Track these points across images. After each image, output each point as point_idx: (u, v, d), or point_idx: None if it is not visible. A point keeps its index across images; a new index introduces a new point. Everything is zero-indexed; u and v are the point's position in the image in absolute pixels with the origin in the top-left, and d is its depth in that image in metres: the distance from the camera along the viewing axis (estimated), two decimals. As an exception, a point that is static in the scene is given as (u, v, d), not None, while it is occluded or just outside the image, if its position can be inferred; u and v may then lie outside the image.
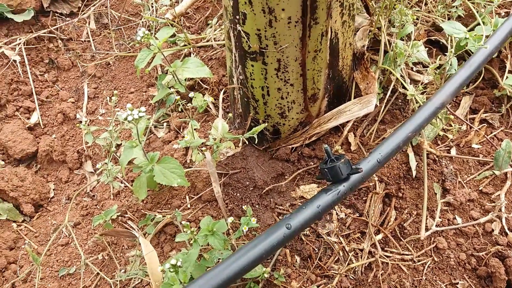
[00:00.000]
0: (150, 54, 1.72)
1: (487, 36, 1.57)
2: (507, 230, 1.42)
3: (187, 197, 1.65)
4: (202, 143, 1.51)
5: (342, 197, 1.17)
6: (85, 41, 2.31)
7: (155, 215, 1.59)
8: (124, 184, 1.77)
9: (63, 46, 2.26)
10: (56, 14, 2.33)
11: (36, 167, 1.93)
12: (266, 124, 1.58)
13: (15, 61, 2.16)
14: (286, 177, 1.62)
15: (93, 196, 1.79)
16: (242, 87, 1.52)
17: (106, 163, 1.47)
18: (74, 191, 1.81)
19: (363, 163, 1.20)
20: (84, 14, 2.33)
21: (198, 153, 1.51)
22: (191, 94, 1.46)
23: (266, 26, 1.25)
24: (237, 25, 1.31)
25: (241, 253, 1.03)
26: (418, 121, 1.28)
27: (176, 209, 1.61)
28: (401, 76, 1.62)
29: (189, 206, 1.62)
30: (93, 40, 2.30)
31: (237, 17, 1.28)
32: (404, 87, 1.59)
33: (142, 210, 1.66)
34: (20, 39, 2.21)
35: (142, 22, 2.26)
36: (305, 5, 1.20)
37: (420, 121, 1.28)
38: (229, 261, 1.02)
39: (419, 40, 1.85)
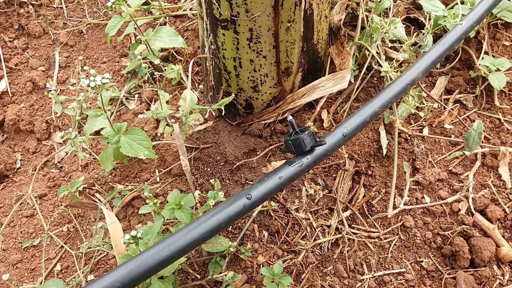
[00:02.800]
0: (121, 21, 1.66)
1: (464, 15, 1.55)
2: (473, 210, 1.42)
3: (156, 170, 1.62)
4: (170, 115, 1.47)
5: (305, 170, 1.15)
6: (57, 7, 2.22)
7: (122, 188, 1.55)
8: (93, 156, 1.73)
9: (34, 11, 2.17)
10: (27, -22, 2.23)
11: (2, 137, 1.87)
12: (239, 98, 1.55)
13: (-18, 26, 2.08)
14: (258, 152, 1.60)
15: (61, 167, 1.75)
16: (213, 58, 1.48)
17: (70, 132, 1.43)
18: (42, 162, 1.77)
19: (328, 137, 1.19)
20: (56, -21, 2.24)
21: (167, 125, 1.48)
22: (157, 62, 1.41)
23: (237, -8, 1.21)
24: (208, -9, 1.26)
25: (199, 222, 1.01)
26: (386, 97, 1.26)
27: (145, 183, 1.58)
28: (377, 53, 1.60)
29: (158, 179, 1.60)
30: (65, 6, 2.21)
31: (208, -17, 1.23)
32: (379, 64, 1.57)
33: (110, 183, 1.63)
34: (-12, 3, 2.12)
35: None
36: (277, -28, 1.16)
37: (389, 97, 1.26)
38: (186, 229, 1.00)
39: (398, 17, 1.83)
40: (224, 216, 1.04)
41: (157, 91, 1.64)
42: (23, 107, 1.92)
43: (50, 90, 1.96)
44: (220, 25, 1.32)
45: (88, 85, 1.17)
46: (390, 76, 1.48)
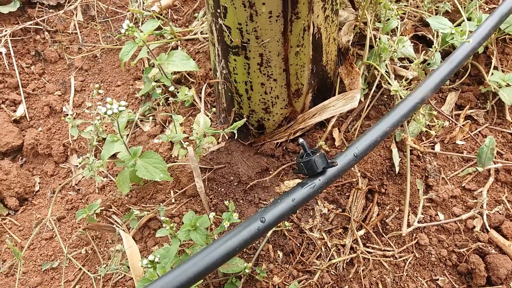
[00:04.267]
0: (134, 47, 1.70)
1: (472, 32, 1.57)
2: (488, 227, 1.42)
3: (171, 191, 1.65)
4: (185, 138, 1.50)
5: (317, 191, 1.16)
6: (72, 33, 2.28)
7: (139, 210, 1.58)
8: (109, 178, 1.76)
9: (49, 38, 2.24)
10: (43, 6, 2.30)
11: (21, 161, 1.92)
12: (250, 119, 1.57)
13: (0, 53, 2.14)
14: (270, 172, 1.62)
15: (78, 190, 1.79)
16: (225, 82, 1.51)
17: (87, 157, 1.47)
18: (59, 184, 1.81)
19: (340, 157, 1.20)
20: (70, 5, 2.30)
21: (181, 148, 1.51)
22: (171, 88, 1.45)
23: (247, 20, 1.24)
24: (219, 19, 1.30)
25: (215, 246, 1.03)
26: (396, 117, 1.28)
27: (160, 204, 1.61)
28: (386, 71, 1.62)
29: (173, 200, 1.62)
30: (80, 32, 2.28)
31: (218, 10, 1.27)
32: (388, 83, 1.59)
33: (126, 205, 1.66)
34: (6, 31, 2.18)
35: (128, 14, 2.24)
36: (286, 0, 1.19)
37: (399, 116, 1.28)
38: (202, 254, 1.02)
39: (406, 35, 1.85)
40: (239, 240, 1.06)
41: (170, 113, 1.68)
42: (41, 131, 1.97)
43: (67, 115, 2.01)
44: (231, 51, 1.36)
45: (105, 113, 1.21)
46: (399, 95, 1.49)
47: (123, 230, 1.57)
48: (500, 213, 1.45)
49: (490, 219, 1.44)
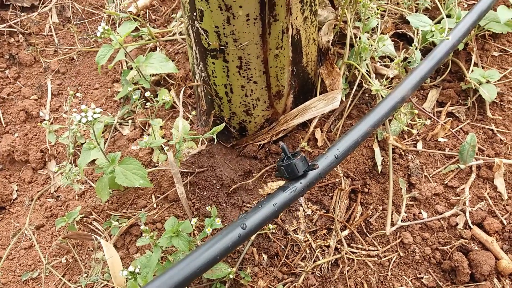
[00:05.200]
0: (111, 50, 1.67)
1: (451, 29, 1.57)
2: (470, 224, 1.43)
3: (153, 196, 1.62)
4: (165, 142, 1.48)
5: (299, 194, 1.15)
6: (47, 35, 2.23)
7: (119, 216, 1.55)
8: (89, 184, 1.73)
9: (24, 41, 2.18)
10: (16, 7, 2.24)
11: (-3, 168, 1.87)
12: (232, 121, 1.55)
13: (-27, 57, 2.08)
14: (253, 174, 1.60)
15: (58, 196, 1.75)
16: (205, 85, 1.49)
17: (64, 165, 1.43)
18: (38, 191, 1.76)
19: (321, 160, 1.19)
20: (45, 7, 2.24)
21: (161, 153, 1.48)
22: (147, 94, 1.42)
23: (224, 23, 1.21)
24: (195, 22, 1.27)
25: (195, 255, 1.01)
26: (376, 117, 1.27)
27: (142, 209, 1.58)
28: (366, 71, 1.61)
29: (155, 206, 1.60)
30: (56, 34, 2.22)
31: (195, 13, 1.24)
32: (369, 82, 1.58)
33: (107, 211, 1.62)
34: (-22, 34, 2.12)
35: (105, 15, 2.19)
36: (263, 2, 1.16)
37: (379, 116, 1.27)
38: (182, 264, 1.00)
39: (387, 33, 1.84)
40: (220, 247, 1.04)
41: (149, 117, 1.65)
42: (17, 137, 1.92)
43: (44, 120, 1.96)
44: (210, 54, 1.33)
45: (80, 121, 1.18)
46: (380, 94, 1.49)
47: (104, 237, 1.53)
48: (482, 210, 1.46)
49: (473, 216, 1.44)
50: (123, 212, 1.59)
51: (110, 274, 1.39)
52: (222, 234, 1.06)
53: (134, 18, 1.81)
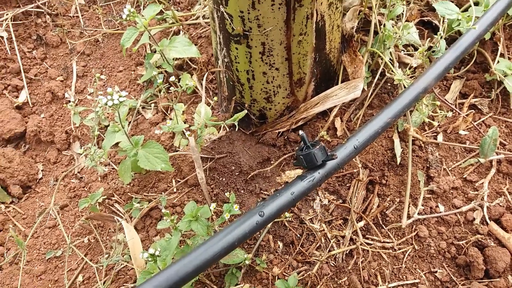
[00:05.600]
0: (136, 33, 1.69)
1: (478, 17, 1.53)
2: (487, 220, 1.42)
3: (173, 180, 1.65)
4: (187, 127, 1.50)
5: (317, 184, 1.16)
6: (73, 16, 2.26)
7: (140, 199, 1.59)
8: (112, 166, 1.77)
9: (51, 21, 2.22)
10: (43, -11, 2.28)
11: (24, 148, 1.93)
12: (252, 108, 1.56)
13: (2, 37, 2.13)
14: (272, 162, 1.62)
15: (81, 178, 1.80)
16: (227, 70, 1.50)
17: (89, 147, 1.47)
18: (62, 172, 1.82)
19: (340, 150, 1.20)
20: (72, -12, 2.27)
21: (182, 138, 1.50)
22: (172, 79, 1.43)
23: (249, 8, 1.22)
24: (220, 6, 1.27)
25: (213, 241, 1.04)
26: (398, 107, 1.26)
27: (162, 193, 1.62)
28: (390, 59, 1.59)
29: (175, 190, 1.63)
30: (82, 15, 2.25)
31: (220, -2, 1.25)
32: (392, 72, 1.56)
33: (129, 193, 1.67)
34: (7, 15, 2.16)
35: (130, -2, 2.21)
36: (289, -13, 1.16)
37: (400, 107, 1.27)
38: (201, 250, 1.03)
39: (412, 21, 1.81)
40: (238, 234, 1.07)
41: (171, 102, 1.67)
42: (43, 117, 1.98)
43: (69, 101, 2.01)
44: (233, 40, 1.34)
45: (106, 104, 1.21)
46: (403, 84, 1.47)
47: (126, 219, 1.58)
48: (500, 205, 1.45)
49: (490, 211, 1.44)
50: (144, 195, 1.64)
51: (130, 255, 1.44)
52: (241, 221, 1.09)
53: (158, 1, 1.82)
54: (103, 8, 2.25)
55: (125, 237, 1.44)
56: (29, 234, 1.61)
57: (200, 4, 2.09)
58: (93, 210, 1.58)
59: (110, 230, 1.60)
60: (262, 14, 1.24)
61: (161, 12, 2.01)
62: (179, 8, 2.16)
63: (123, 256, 1.46)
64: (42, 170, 1.86)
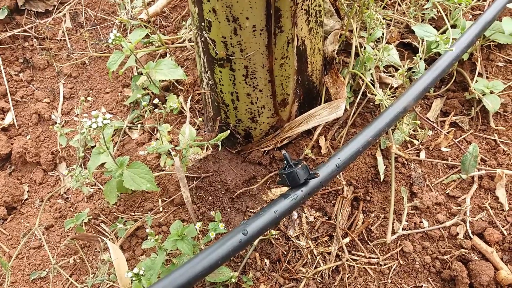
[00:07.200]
0: (122, 56, 1.71)
1: (456, 39, 1.58)
2: (470, 234, 1.44)
3: (159, 200, 1.66)
4: (172, 148, 1.51)
5: (300, 202, 1.18)
6: (60, 40, 2.28)
7: (126, 219, 1.59)
8: (98, 186, 1.77)
9: (38, 45, 2.24)
10: (31, 13, 2.30)
11: (10, 169, 1.92)
12: (237, 128, 1.59)
13: (-11, 60, 2.14)
14: (258, 180, 1.63)
15: (67, 198, 1.79)
16: (212, 92, 1.52)
17: (74, 168, 1.47)
18: (48, 193, 1.81)
19: (322, 168, 1.22)
20: (59, 12, 2.30)
21: (168, 158, 1.52)
22: (156, 101, 1.46)
23: (231, 34, 1.25)
24: (204, 32, 1.31)
25: (197, 260, 1.04)
26: (378, 126, 1.29)
27: (148, 212, 1.62)
28: (371, 80, 1.64)
29: (161, 209, 1.63)
30: (69, 39, 2.28)
31: (203, 24, 1.28)
32: (373, 92, 1.60)
33: (115, 213, 1.66)
34: (-6, 38, 2.18)
35: (117, 21, 2.24)
36: (269, 14, 1.20)
37: (381, 126, 1.30)
38: (185, 268, 1.03)
39: (392, 43, 1.87)
40: (221, 253, 1.07)
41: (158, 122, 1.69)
42: (29, 139, 1.98)
43: (55, 123, 2.01)
44: (217, 63, 1.37)
45: (90, 126, 1.22)
46: (384, 104, 1.51)
47: (111, 239, 1.57)
48: (483, 220, 1.47)
49: (473, 226, 1.46)
50: (130, 215, 1.63)
51: (116, 275, 1.43)
52: (224, 239, 1.09)
53: (145, 25, 1.86)
54: (90, 32, 2.28)
55: (110, 256, 1.43)
56: (14, 255, 1.59)
57: (186, 28, 2.13)
58: (79, 230, 1.57)
59: (96, 250, 1.59)
60: (244, 39, 1.27)
61: (147, 36, 2.04)
62: (165, 32, 2.20)
63: (109, 276, 1.45)
64: (27, 191, 1.85)
